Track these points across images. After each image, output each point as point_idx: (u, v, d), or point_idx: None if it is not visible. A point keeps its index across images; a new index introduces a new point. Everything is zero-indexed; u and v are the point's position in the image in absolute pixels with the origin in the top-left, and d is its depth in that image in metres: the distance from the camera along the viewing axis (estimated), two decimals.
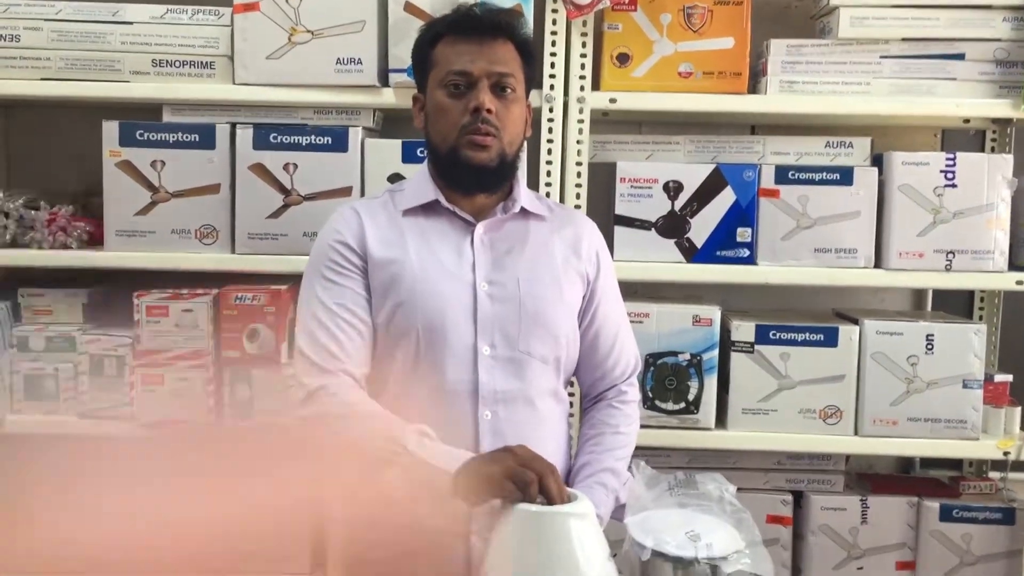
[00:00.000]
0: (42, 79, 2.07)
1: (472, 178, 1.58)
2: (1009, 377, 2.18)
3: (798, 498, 2.23)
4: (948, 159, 2.08)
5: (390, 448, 1.41)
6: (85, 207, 2.20)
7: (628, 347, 1.75)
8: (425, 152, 1.66)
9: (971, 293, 2.39)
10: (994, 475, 2.32)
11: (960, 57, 2.07)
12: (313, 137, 2.06)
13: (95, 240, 2.12)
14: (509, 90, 1.57)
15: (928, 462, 2.43)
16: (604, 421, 1.69)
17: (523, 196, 1.64)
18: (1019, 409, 2.16)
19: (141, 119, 2.08)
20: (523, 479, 1.29)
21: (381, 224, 1.61)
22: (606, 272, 1.71)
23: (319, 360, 1.53)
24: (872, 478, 2.32)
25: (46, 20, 2.06)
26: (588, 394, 1.75)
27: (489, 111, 1.53)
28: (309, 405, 1.52)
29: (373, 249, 1.58)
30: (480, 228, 1.61)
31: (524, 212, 1.64)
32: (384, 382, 1.58)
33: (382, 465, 1.42)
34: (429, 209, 1.62)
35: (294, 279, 1.89)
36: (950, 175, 2.07)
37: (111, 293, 2.26)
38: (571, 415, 1.85)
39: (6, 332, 2.12)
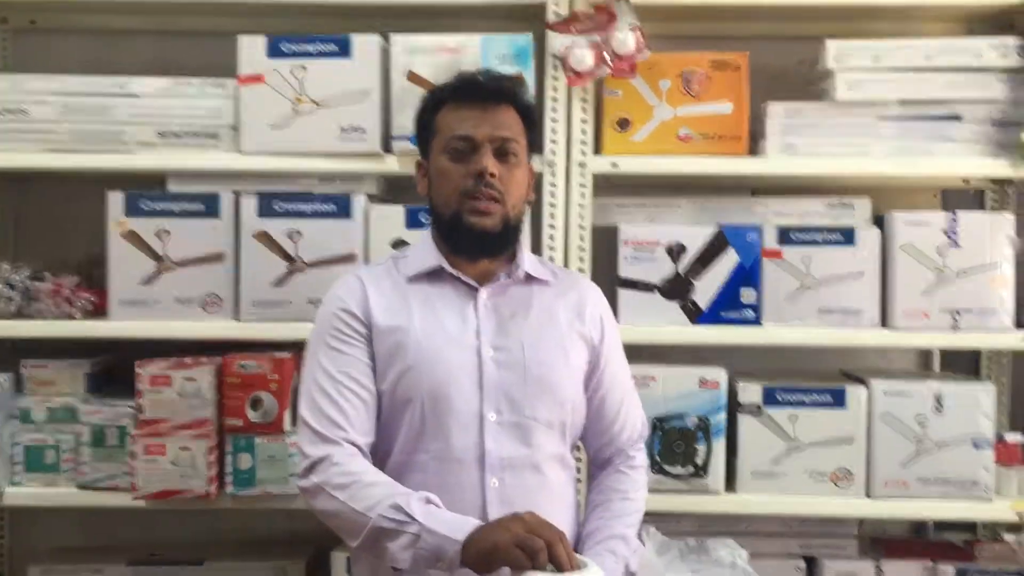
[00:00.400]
0: (50, 151, 2.09)
1: (476, 243, 1.58)
2: (1020, 437, 2.15)
3: (811, 563, 2.18)
4: (950, 219, 2.08)
5: (395, 517, 1.40)
6: (90, 277, 2.20)
7: (634, 412, 1.73)
8: (428, 218, 1.67)
9: (978, 352, 2.37)
10: (1009, 537, 2.28)
11: (957, 118, 2.10)
12: (317, 204, 2.08)
13: (99, 310, 2.12)
14: (512, 155, 1.58)
15: (942, 524, 2.39)
16: (612, 487, 1.67)
17: (527, 261, 1.64)
18: None
19: (146, 189, 2.10)
20: (532, 547, 1.28)
21: (385, 291, 1.61)
22: (611, 336, 1.70)
23: (322, 429, 1.52)
24: (886, 542, 2.28)
25: (53, 94, 2.09)
26: (595, 459, 1.73)
27: (492, 175, 1.54)
28: (312, 476, 1.50)
29: (377, 317, 1.57)
30: (484, 293, 1.61)
31: (528, 277, 1.64)
32: (389, 449, 1.57)
33: (388, 535, 1.41)
34: (433, 275, 1.62)
35: (298, 346, 1.88)
36: (952, 234, 2.08)
37: (114, 362, 2.26)
38: (579, 480, 1.82)
39: (8, 403, 2.11)
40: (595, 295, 1.72)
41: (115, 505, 2.07)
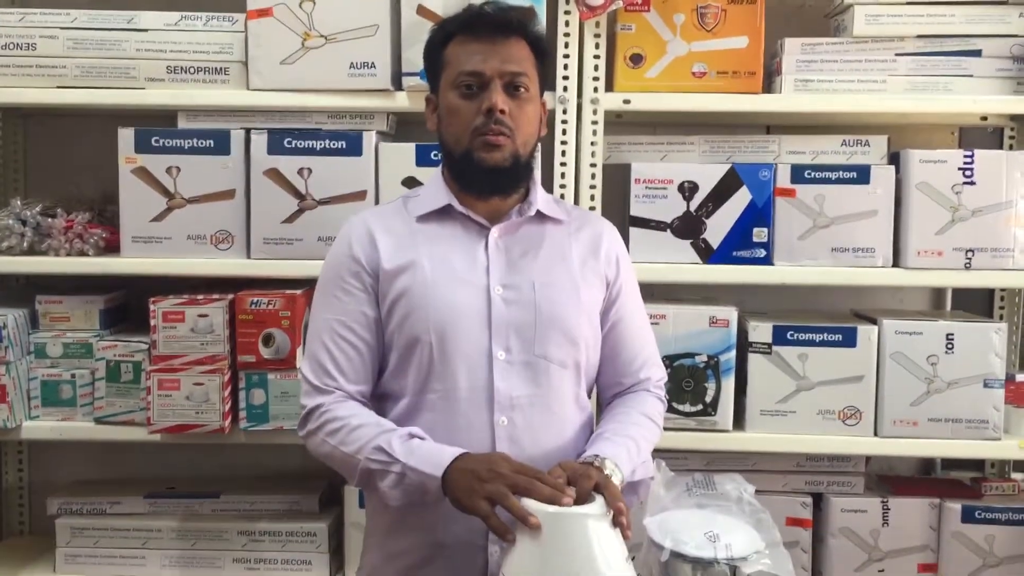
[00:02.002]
0: (58, 87, 2.08)
1: (486, 180, 1.56)
2: None
3: (818, 500, 2.20)
4: (966, 156, 2.06)
5: (379, 458, 1.45)
6: (101, 214, 2.21)
7: (654, 354, 1.71)
8: (439, 155, 1.66)
9: (991, 292, 2.36)
10: (1017, 476, 2.30)
11: (977, 54, 2.06)
12: (327, 142, 2.06)
13: (111, 247, 2.13)
14: (522, 89, 1.55)
15: (949, 463, 2.40)
16: (632, 403, 1.64)
17: (539, 199, 1.63)
18: None
19: (156, 126, 2.09)
20: (497, 497, 1.32)
21: (394, 232, 1.60)
22: (627, 275, 1.69)
23: (316, 380, 1.56)
24: (893, 480, 2.29)
25: (61, 28, 2.07)
26: (608, 398, 1.70)
27: (502, 111, 1.52)
28: (307, 424, 1.56)
29: (385, 261, 1.57)
30: (495, 232, 1.60)
31: (540, 216, 1.63)
32: (402, 391, 1.58)
33: (377, 476, 1.45)
34: (443, 214, 1.61)
35: (309, 283, 1.89)
36: (968, 172, 2.05)
37: (128, 299, 2.28)
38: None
39: (24, 339, 2.13)
40: (611, 233, 1.70)
41: (131, 439, 2.10)
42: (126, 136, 2.07)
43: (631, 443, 1.54)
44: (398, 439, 1.45)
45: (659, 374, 1.71)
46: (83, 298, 2.17)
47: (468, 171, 1.56)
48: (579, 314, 1.60)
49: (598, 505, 1.31)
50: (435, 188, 1.64)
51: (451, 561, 1.52)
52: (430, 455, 1.43)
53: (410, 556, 1.55)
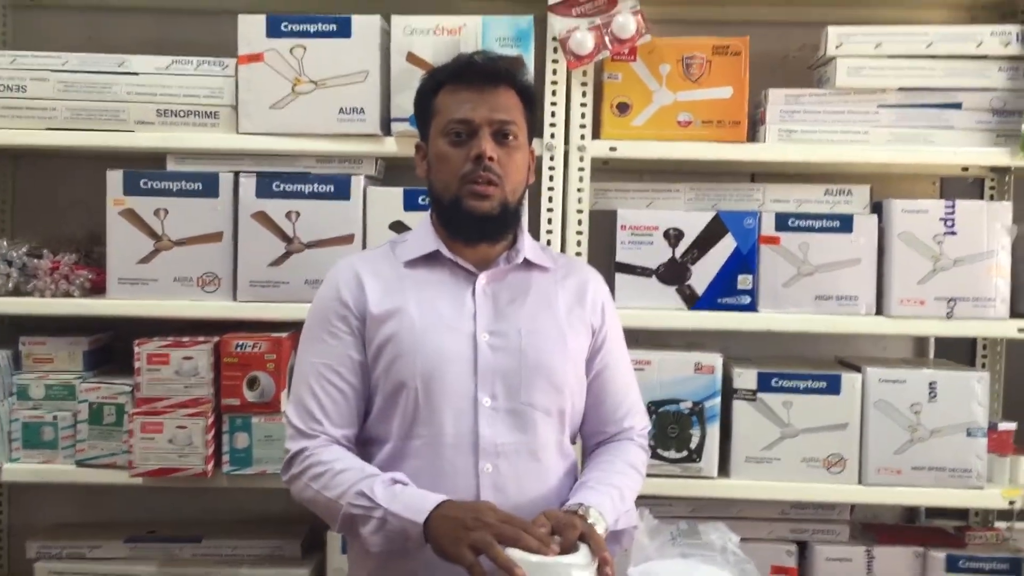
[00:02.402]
0: (48, 129, 2.09)
1: (475, 227, 1.57)
2: (1013, 425, 2.16)
3: (803, 548, 2.20)
4: (947, 207, 2.08)
5: (361, 504, 1.45)
6: (88, 255, 2.21)
7: (638, 403, 1.72)
8: (427, 200, 1.67)
9: (973, 341, 2.38)
10: (1000, 524, 2.30)
11: (957, 106, 2.09)
12: (316, 185, 2.08)
13: (97, 288, 2.13)
14: (511, 137, 1.57)
15: (934, 512, 2.40)
16: (615, 450, 1.64)
17: (527, 246, 1.64)
18: None
19: (145, 168, 2.09)
20: (483, 547, 1.31)
21: (381, 277, 1.60)
22: (612, 323, 1.69)
23: (301, 424, 1.56)
24: (877, 528, 2.29)
25: (52, 71, 2.09)
26: (592, 445, 1.70)
27: (491, 159, 1.53)
28: (291, 468, 1.56)
29: (372, 305, 1.57)
30: (482, 278, 1.60)
31: (527, 263, 1.63)
32: (386, 436, 1.57)
33: (359, 521, 1.45)
34: (431, 259, 1.62)
35: (295, 326, 1.89)
36: (950, 223, 2.08)
37: (112, 341, 2.27)
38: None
39: (6, 380, 2.12)
40: (596, 281, 1.71)
41: (112, 482, 2.09)
42: (115, 178, 2.08)
43: (615, 492, 1.53)
44: (380, 484, 1.45)
45: (643, 422, 1.71)
46: (67, 339, 2.16)
47: (457, 218, 1.57)
48: (565, 362, 1.60)
49: (583, 555, 1.31)
50: (423, 233, 1.64)
51: None
52: (412, 501, 1.42)
53: None
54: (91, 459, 2.09)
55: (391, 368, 1.55)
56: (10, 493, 2.42)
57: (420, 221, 1.69)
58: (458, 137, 1.56)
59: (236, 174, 2.09)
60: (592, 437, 1.70)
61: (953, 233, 2.08)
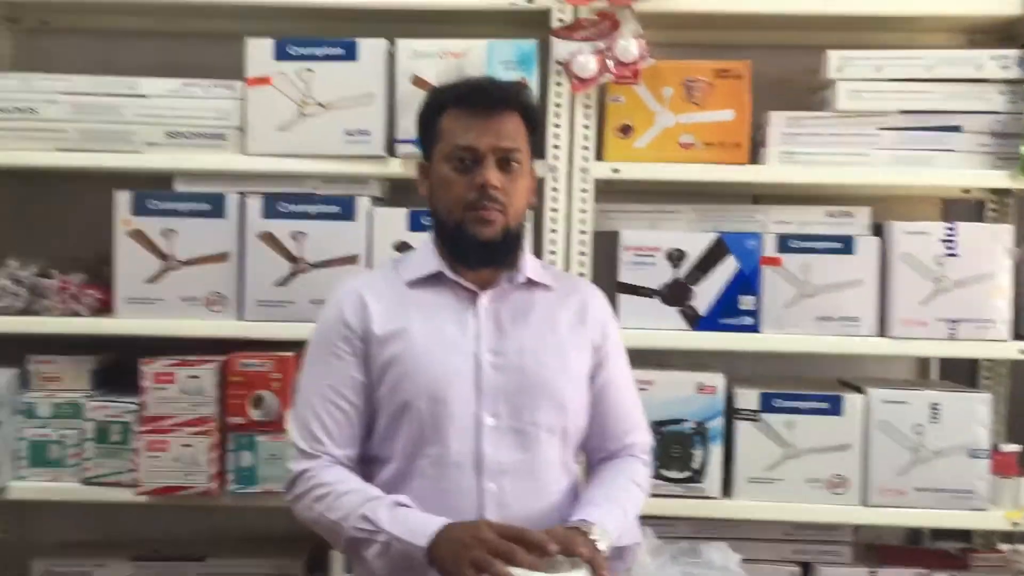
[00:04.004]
0: (58, 150, 2.12)
1: (478, 253, 1.58)
2: (1017, 447, 2.16)
3: (806, 570, 2.19)
4: (948, 229, 2.10)
5: (364, 527, 1.46)
6: (97, 275, 2.22)
7: (641, 419, 1.73)
8: (430, 221, 1.68)
9: (976, 362, 2.38)
10: (1004, 547, 2.29)
11: (958, 129, 2.11)
12: (321, 206, 2.10)
13: (105, 307, 2.14)
14: (515, 164, 1.58)
15: (938, 533, 2.39)
16: (619, 468, 1.65)
17: (528, 266, 1.65)
18: None
19: (153, 188, 2.12)
20: (484, 566, 1.32)
21: (384, 298, 1.61)
22: (614, 341, 1.70)
23: (304, 445, 1.57)
24: (881, 549, 2.29)
25: (63, 94, 2.12)
26: (595, 462, 1.71)
27: (495, 187, 1.54)
28: (293, 489, 1.57)
29: (376, 327, 1.58)
30: (484, 299, 1.61)
31: (530, 282, 1.65)
32: (390, 456, 1.58)
33: (362, 545, 1.46)
34: (434, 280, 1.63)
35: (301, 346, 1.90)
36: (951, 244, 2.09)
37: (119, 359, 2.28)
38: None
39: (14, 399, 2.13)
40: (598, 299, 1.72)
41: (118, 500, 2.10)
42: (123, 199, 2.10)
43: (618, 509, 1.54)
44: (384, 508, 1.46)
45: (645, 439, 1.72)
46: (75, 358, 2.18)
47: (460, 243, 1.58)
48: (567, 380, 1.61)
49: (583, 573, 1.32)
50: (426, 254, 1.65)
51: None
52: (416, 525, 1.43)
53: None
54: (97, 477, 2.10)
55: (396, 388, 1.56)
56: (16, 511, 2.42)
57: (422, 241, 1.71)
58: (462, 163, 1.56)
59: (243, 195, 2.11)
60: (595, 453, 1.70)
61: (955, 255, 2.09)
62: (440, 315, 1.60)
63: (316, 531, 1.57)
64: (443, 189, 1.58)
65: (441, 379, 1.54)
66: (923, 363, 2.44)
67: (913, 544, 2.42)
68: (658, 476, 2.10)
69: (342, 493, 1.50)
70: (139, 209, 2.10)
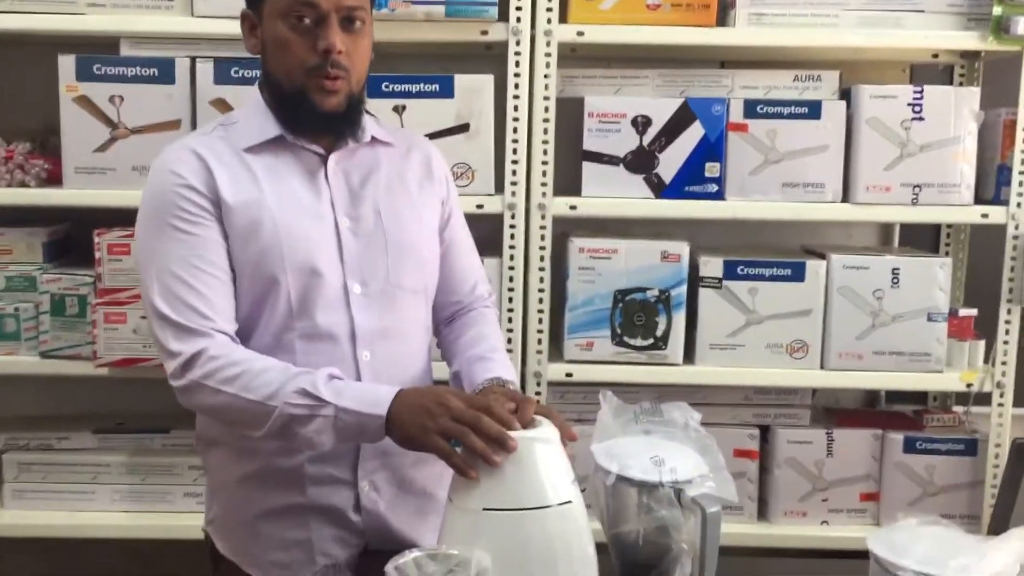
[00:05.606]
0: None
1: (321, 122, 1.46)
2: (974, 311, 2.20)
3: (765, 432, 2.24)
4: (916, 92, 2.07)
5: (304, 403, 1.35)
6: (43, 145, 2.15)
7: (481, 272, 1.70)
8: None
9: (938, 228, 2.40)
10: (958, 408, 2.35)
11: None
12: None
13: (54, 178, 2.08)
14: (359, 22, 1.43)
15: (893, 397, 2.46)
16: (487, 319, 1.65)
17: (370, 124, 1.55)
18: (983, 343, 2.18)
19: (98, 53, 2.03)
20: (455, 435, 1.28)
21: (225, 163, 1.46)
22: (454, 194, 1.66)
23: (186, 322, 1.39)
24: (838, 412, 2.34)
25: None
26: (443, 317, 1.67)
27: (340, 52, 1.41)
28: (189, 373, 1.39)
29: (225, 193, 1.43)
30: (332, 160, 1.50)
31: (373, 140, 1.55)
32: (251, 332, 1.47)
33: (300, 421, 1.35)
34: (274, 144, 1.48)
35: None
36: (917, 108, 2.07)
37: (72, 231, 2.23)
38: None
39: None
40: (437, 153, 1.65)
41: (78, 373, 2.08)
42: (67, 63, 2.01)
43: (509, 362, 1.57)
44: (322, 381, 1.36)
45: (489, 288, 1.72)
46: (25, 230, 2.13)
47: (302, 112, 1.46)
48: (424, 239, 1.56)
49: (548, 430, 1.32)
50: (261, 117, 1.49)
51: (320, 496, 1.48)
52: (363, 394, 1.36)
53: (274, 499, 1.50)
54: (55, 351, 2.08)
55: (259, 264, 1.44)
56: None
57: (252, 102, 1.52)
58: (300, 21, 1.40)
59: (193, 59, 2.03)
60: (445, 308, 1.66)
61: (921, 119, 2.07)
62: (290, 182, 1.48)
63: (219, 417, 1.46)
64: (279, 51, 1.43)
65: (307, 251, 1.45)
66: (886, 230, 2.45)
67: (869, 407, 2.48)
68: (621, 343, 2.11)
69: (259, 371, 1.37)
70: (84, 74, 2.01)
